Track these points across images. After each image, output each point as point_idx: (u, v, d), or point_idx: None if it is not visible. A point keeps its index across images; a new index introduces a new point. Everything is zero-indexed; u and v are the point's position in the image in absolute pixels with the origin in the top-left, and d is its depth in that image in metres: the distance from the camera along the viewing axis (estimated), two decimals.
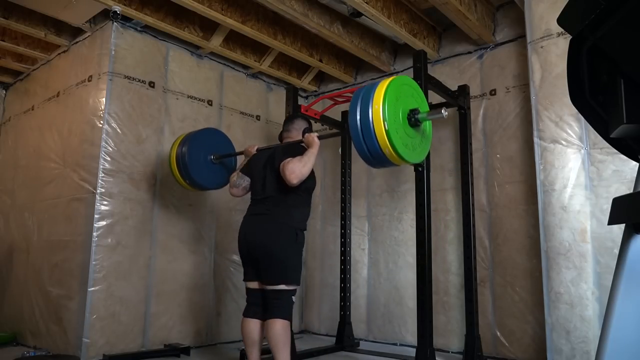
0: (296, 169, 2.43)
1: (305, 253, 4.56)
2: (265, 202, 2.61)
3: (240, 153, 3.16)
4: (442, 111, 2.26)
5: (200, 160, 3.20)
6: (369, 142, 2.15)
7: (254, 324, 2.59)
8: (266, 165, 2.69)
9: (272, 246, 2.51)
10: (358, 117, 2.17)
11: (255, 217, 2.64)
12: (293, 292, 2.55)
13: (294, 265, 2.57)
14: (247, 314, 2.63)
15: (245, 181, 2.81)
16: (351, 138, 2.24)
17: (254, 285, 2.64)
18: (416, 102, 2.34)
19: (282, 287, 2.50)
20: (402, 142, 2.19)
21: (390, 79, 2.24)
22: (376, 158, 2.22)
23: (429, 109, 2.38)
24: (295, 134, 2.79)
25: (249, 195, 2.85)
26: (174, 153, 3.20)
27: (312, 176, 2.61)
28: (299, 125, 2.84)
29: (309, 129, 2.84)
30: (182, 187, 3.32)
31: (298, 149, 2.61)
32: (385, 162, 2.25)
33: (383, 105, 2.11)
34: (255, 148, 2.89)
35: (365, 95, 2.20)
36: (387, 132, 2.10)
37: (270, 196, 2.60)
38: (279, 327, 2.44)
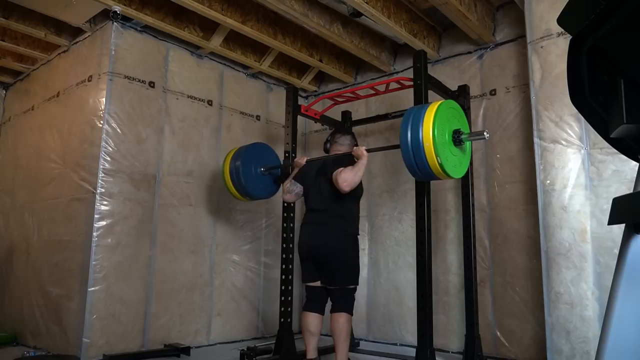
0: (348, 178, 2.76)
1: None
2: (325, 213, 2.93)
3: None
4: (485, 134, 2.54)
5: (252, 173, 3.54)
6: (423, 172, 2.53)
7: (313, 317, 2.93)
8: (319, 174, 3.01)
9: (338, 252, 2.88)
10: (412, 156, 2.50)
11: (318, 226, 2.95)
12: (355, 290, 2.96)
13: (356, 266, 2.97)
14: (309, 308, 2.97)
15: (298, 187, 3.14)
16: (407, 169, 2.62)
17: (316, 284, 2.98)
18: (457, 121, 2.63)
19: (348, 286, 2.90)
20: (452, 165, 2.51)
21: (434, 109, 2.48)
22: (428, 178, 2.64)
23: (469, 129, 2.70)
24: (346, 149, 3.11)
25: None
26: (227, 168, 3.52)
27: (360, 184, 2.92)
28: (351, 141, 3.17)
29: (357, 145, 3.15)
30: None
31: (348, 160, 2.92)
32: (435, 179, 2.64)
33: (435, 145, 2.41)
34: (305, 160, 3.21)
35: (414, 132, 2.47)
36: (441, 165, 2.43)
37: (329, 206, 2.93)
38: (344, 320, 2.82)
